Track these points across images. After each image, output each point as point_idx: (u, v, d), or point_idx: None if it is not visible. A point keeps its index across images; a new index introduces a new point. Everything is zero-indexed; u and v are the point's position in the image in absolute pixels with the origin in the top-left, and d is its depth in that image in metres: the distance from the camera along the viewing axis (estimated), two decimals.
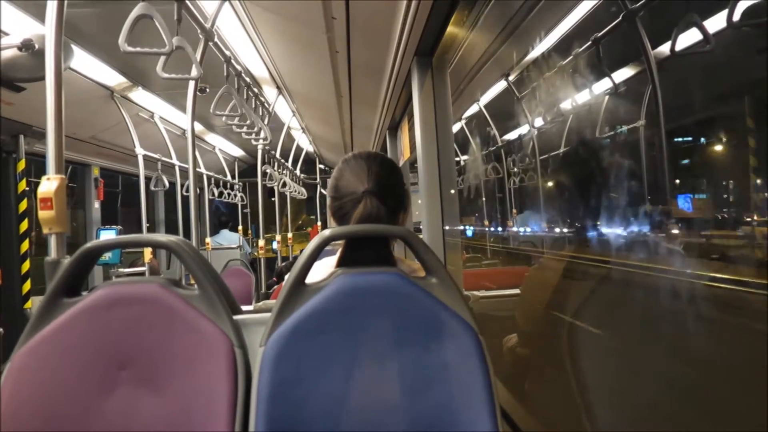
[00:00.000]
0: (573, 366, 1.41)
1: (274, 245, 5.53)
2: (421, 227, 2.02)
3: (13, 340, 0.90)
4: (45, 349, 0.87)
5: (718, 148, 1.49)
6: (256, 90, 3.38)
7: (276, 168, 5.35)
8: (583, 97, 2.20)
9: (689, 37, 1.32)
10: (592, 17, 1.98)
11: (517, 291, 1.82)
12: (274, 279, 4.74)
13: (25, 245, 3.06)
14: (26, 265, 3.05)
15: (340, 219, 1.13)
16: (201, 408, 0.85)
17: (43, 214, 1.17)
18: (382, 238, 0.96)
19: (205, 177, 5.43)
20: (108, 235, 3.01)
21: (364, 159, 1.14)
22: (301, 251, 0.94)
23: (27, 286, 3.04)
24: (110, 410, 0.85)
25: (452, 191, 1.92)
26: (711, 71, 1.37)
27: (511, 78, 2.90)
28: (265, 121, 3.59)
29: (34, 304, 3.03)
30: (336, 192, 1.13)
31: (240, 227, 6.50)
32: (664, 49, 1.48)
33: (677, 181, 1.47)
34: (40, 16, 2.14)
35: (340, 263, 0.94)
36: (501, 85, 3.10)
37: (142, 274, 3.25)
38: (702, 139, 1.53)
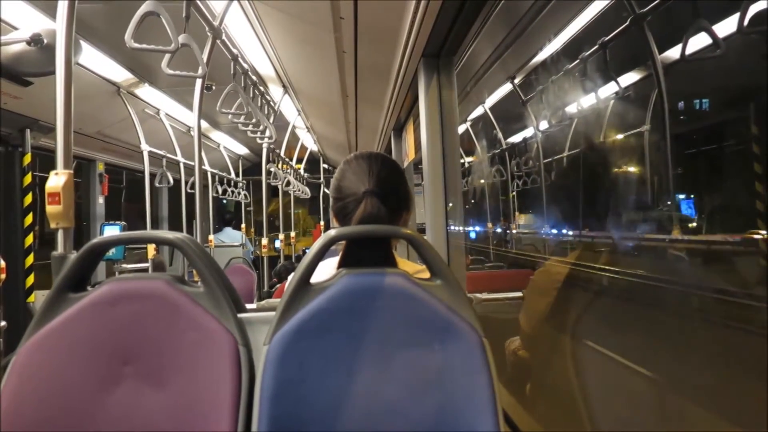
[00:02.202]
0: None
1: (277, 244, 5.54)
2: (425, 228, 2.02)
3: (16, 333, 0.90)
4: (50, 343, 0.87)
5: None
6: (262, 88, 3.38)
7: (280, 167, 5.35)
8: (588, 100, 2.20)
9: (698, 42, 1.31)
10: (599, 21, 1.98)
11: (520, 294, 1.82)
12: (275, 279, 4.76)
13: (29, 239, 3.07)
14: (30, 259, 3.06)
15: (342, 219, 1.13)
16: (204, 405, 0.85)
17: (50, 208, 1.18)
18: (384, 239, 0.96)
19: (209, 174, 5.43)
20: (112, 230, 3.02)
21: (366, 159, 1.14)
22: (303, 250, 0.95)
23: (30, 280, 3.05)
24: (113, 405, 0.86)
25: (458, 193, 1.92)
26: None
27: (516, 81, 2.90)
28: (271, 120, 3.59)
29: (37, 298, 3.04)
30: (338, 192, 1.14)
31: (243, 225, 6.51)
32: (671, 53, 1.48)
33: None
34: (49, 11, 2.15)
35: (342, 263, 0.94)
36: (507, 88, 3.10)
37: (145, 270, 3.26)
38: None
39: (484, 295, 1.72)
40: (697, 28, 1.23)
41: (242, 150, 6.45)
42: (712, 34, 1.22)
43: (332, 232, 0.91)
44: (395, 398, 0.83)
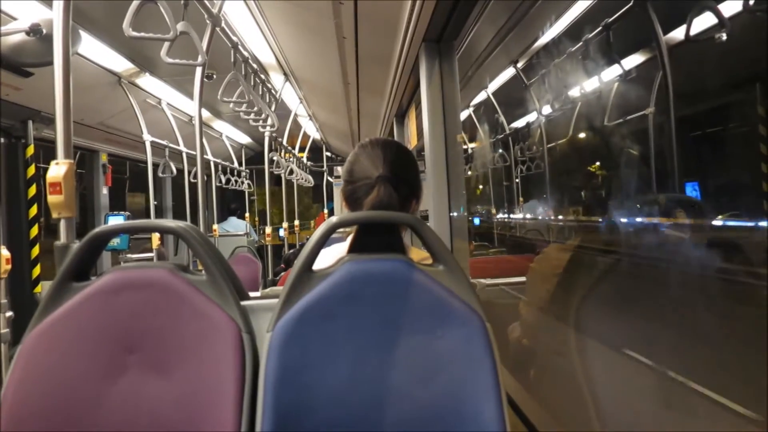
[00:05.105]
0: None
1: (281, 233, 5.56)
2: (428, 215, 2.01)
3: (23, 323, 0.91)
4: (55, 333, 0.88)
5: None
6: (263, 76, 3.36)
7: (283, 155, 5.35)
8: (592, 84, 2.18)
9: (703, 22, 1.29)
10: (602, 2, 1.95)
11: (523, 279, 1.82)
12: (282, 266, 4.76)
13: (34, 230, 3.08)
14: (36, 250, 3.08)
15: (352, 204, 1.13)
16: (208, 393, 0.85)
17: (52, 198, 1.18)
18: (393, 226, 0.96)
19: (212, 164, 5.43)
20: (116, 220, 3.02)
21: (380, 146, 1.15)
22: (308, 239, 0.94)
23: (36, 270, 3.08)
24: (118, 393, 0.86)
25: (460, 179, 1.91)
26: None
27: (519, 65, 2.87)
28: (272, 108, 3.59)
29: (43, 288, 3.06)
30: (350, 176, 1.14)
31: (247, 214, 6.52)
32: (676, 34, 1.45)
33: None
34: (48, 1, 2.14)
35: (351, 249, 0.94)
36: (510, 72, 3.07)
37: (150, 259, 3.28)
38: None
39: (488, 281, 1.72)
40: (702, 7, 1.21)
41: (245, 139, 6.44)
42: (717, 14, 1.20)
43: (334, 219, 0.91)
44: (398, 384, 0.83)
